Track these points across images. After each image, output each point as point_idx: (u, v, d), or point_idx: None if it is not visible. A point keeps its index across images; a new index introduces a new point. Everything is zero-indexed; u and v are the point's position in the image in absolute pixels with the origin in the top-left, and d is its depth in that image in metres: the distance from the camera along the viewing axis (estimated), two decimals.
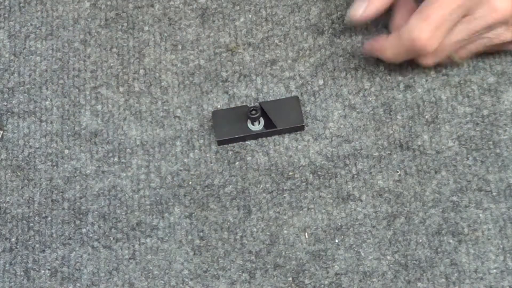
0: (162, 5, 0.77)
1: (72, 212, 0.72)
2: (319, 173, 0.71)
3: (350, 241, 0.70)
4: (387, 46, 0.70)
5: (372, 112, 0.73)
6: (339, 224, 0.70)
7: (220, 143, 0.73)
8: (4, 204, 0.72)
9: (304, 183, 0.71)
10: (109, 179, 0.73)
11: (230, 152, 0.73)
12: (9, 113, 0.75)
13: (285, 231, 0.70)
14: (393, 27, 0.72)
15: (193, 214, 0.71)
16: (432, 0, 0.67)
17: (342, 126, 0.73)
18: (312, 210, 0.71)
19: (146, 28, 0.77)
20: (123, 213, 0.71)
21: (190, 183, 0.72)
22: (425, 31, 0.66)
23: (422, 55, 0.69)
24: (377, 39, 0.71)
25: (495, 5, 0.67)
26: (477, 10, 0.67)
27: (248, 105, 0.73)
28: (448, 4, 0.66)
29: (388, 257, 0.69)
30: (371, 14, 0.70)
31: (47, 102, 0.75)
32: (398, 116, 0.73)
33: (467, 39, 0.69)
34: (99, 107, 0.75)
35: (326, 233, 0.70)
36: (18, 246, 0.71)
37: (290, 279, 0.69)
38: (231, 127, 0.72)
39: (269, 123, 0.72)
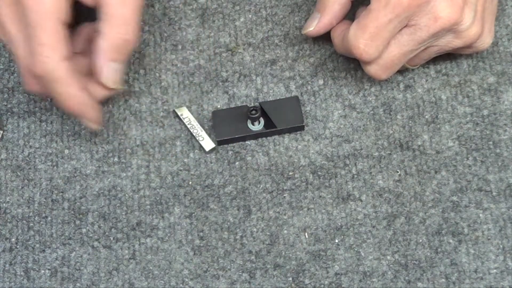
0: (162, 5, 0.77)
1: (72, 212, 0.72)
2: (319, 173, 0.72)
3: (350, 241, 0.70)
4: (338, 46, 0.71)
5: (372, 112, 0.73)
6: (339, 224, 0.70)
7: (220, 143, 0.73)
8: (4, 204, 0.72)
9: (304, 183, 0.71)
10: (109, 179, 0.73)
11: (230, 152, 0.73)
12: (9, 113, 0.75)
13: (285, 231, 0.70)
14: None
15: (193, 214, 0.71)
16: (370, 9, 0.66)
17: (342, 126, 0.73)
18: (312, 210, 0.71)
19: (146, 28, 0.77)
20: (123, 213, 0.71)
21: (190, 183, 0.72)
22: (361, 40, 0.66)
23: (371, 64, 0.69)
24: (335, 31, 0.71)
25: (438, 14, 0.65)
26: (420, 19, 0.66)
27: (248, 105, 0.73)
28: (385, 14, 0.65)
29: (388, 257, 0.69)
30: (323, 28, 0.71)
31: (47, 102, 0.75)
32: (398, 116, 0.73)
33: (415, 49, 0.68)
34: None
35: (326, 233, 0.70)
36: (18, 246, 0.71)
37: (290, 279, 0.69)
38: (231, 127, 0.72)
39: (269, 123, 0.72)
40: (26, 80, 0.68)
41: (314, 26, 0.71)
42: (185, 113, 0.72)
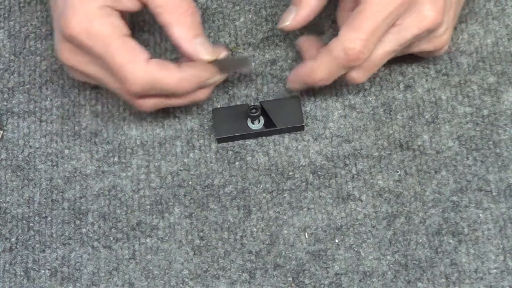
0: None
1: (72, 212, 0.72)
2: (319, 173, 0.72)
3: (350, 241, 0.70)
4: (316, 66, 0.68)
5: (372, 112, 0.73)
6: (339, 224, 0.70)
7: (219, 141, 0.73)
8: (4, 204, 0.72)
9: (304, 183, 0.71)
10: (109, 179, 0.73)
11: (230, 152, 0.73)
12: (9, 113, 0.75)
13: (285, 231, 0.70)
14: (305, 56, 0.71)
15: (193, 214, 0.71)
16: (361, 9, 0.65)
17: (342, 126, 0.73)
18: (312, 210, 0.71)
19: (146, 28, 0.77)
20: (123, 213, 0.72)
21: (190, 183, 0.72)
22: (358, 40, 0.65)
23: (355, 69, 0.68)
24: (302, 65, 0.69)
25: (424, 14, 0.65)
26: (406, 19, 0.66)
27: (249, 104, 0.73)
28: (379, 12, 0.65)
29: (388, 257, 0.69)
30: (300, 23, 0.69)
31: (47, 102, 0.75)
32: (398, 116, 0.73)
33: (397, 50, 0.68)
34: (99, 107, 0.75)
35: (326, 233, 0.70)
36: (18, 246, 0.71)
37: (290, 279, 0.69)
38: (231, 125, 0.72)
39: (269, 123, 0.72)
40: (137, 104, 0.69)
41: (291, 21, 0.69)
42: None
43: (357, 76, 0.68)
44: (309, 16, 0.69)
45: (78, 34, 0.65)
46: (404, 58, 0.72)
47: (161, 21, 0.67)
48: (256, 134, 0.73)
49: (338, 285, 0.68)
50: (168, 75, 0.66)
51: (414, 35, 0.66)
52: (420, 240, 0.69)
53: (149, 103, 0.69)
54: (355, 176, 0.71)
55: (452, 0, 0.68)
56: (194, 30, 0.67)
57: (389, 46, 0.67)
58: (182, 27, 0.66)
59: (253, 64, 0.74)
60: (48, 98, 0.75)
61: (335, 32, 0.75)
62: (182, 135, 0.73)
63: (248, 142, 0.73)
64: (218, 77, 0.69)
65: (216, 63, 0.68)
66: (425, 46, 0.69)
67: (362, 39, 0.65)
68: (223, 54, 0.68)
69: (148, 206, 0.72)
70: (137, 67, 0.66)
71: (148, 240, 0.71)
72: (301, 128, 0.73)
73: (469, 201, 0.70)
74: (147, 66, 0.66)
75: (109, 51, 0.65)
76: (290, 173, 0.72)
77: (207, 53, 0.67)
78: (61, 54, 0.67)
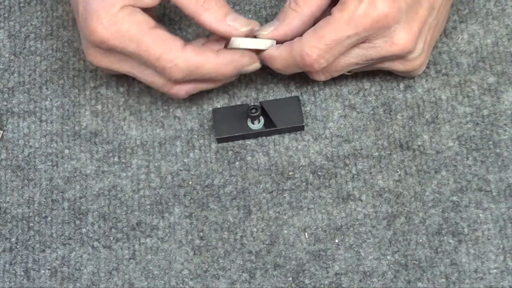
0: (162, 5, 0.77)
1: (72, 212, 0.72)
2: (319, 173, 0.72)
3: (350, 241, 0.70)
4: (277, 56, 0.69)
5: (372, 112, 0.73)
6: (339, 224, 0.70)
7: (219, 141, 0.73)
8: (4, 204, 0.72)
9: (304, 183, 0.71)
10: (109, 179, 0.73)
11: (230, 152, 0.73)
12: (9, 113, 0.75)
13: (285, 231, 0.70)
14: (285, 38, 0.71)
15: (193, 214, 0.71)
16: (330, 20, 0.66)
17: (342, 126, 0.73)
18: (312, 210, 0.71)
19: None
20: (123, 213, 0.71)
21: (190, 183, 0.72)
22: (316, 49, 0.66)
23: (310, 71, 0.69)
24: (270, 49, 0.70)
25: (395, 39, 0.66)
26: (376, 40, 0.66)
27: (249, 104, 0.73)
28: (345, 29, 0.65)
29: (388, 257, 0.69)
30: (276, 37, 0.69)
31: (47, 102, 0.75)
32: (398, 116, 0.73)
33: (361, 64, 0.68)
34: (99, 107, 0.75)
35: (326, 233, 0.70)
36: (18, 246, 0.71)
37: (290, 279, 0.69)
38: (231, 125, 0.72)
39: (269, 122, 0.72)
40: (174, 92, 0.69)
41: (268, 32, 0.69)
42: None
43: (316, 76, 0.70)
44: (287, 35, 0.69)
45: (108, 40, 0.66)
46: None
47: (187, 12, 0.67)
48: (256, 134, 0.73)
49: (338, 285, 0.68)
50: (207, 61, 0.67)
51: (381, 56, 0.67)
52: (420, 240, 0.69)
53: (185, 89, 0.69)
54: (355, 176, 0.71)
55: (430, 25, 0.68)
56: (222, 10, 0.67)
57: (353, 58, 0.68)
58: (209, 12, 0.67)
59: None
60: (48, 98, 0.75)
61: None
62: (182, 135, 0.73)
63: (248, 142, 0.73)
64: (256, 64, 0.70)
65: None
66: (396, 67, 0.70)
67: (320, 49, 0.66)
68: (257, 26, 0.69)
69: (148, 206, 0.72)
70: (175, 55, 0.66)
71: (148, 240, 0.71)
72: (301, 128, 0.73)
73: (469, 201, 0.70)
74: (184, 52, 0.67)
75: (143, 47, 0.66)
76: (290, 173, 0.72)
77: (241, 26, 0.68)
78: (92, 58, 0.69)
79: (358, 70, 0.71)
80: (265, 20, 0.76)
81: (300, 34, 0.68)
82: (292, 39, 0.69)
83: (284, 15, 0.69)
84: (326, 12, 0.68)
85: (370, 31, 0.65)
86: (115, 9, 0.66)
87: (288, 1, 0.69)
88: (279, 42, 0.69)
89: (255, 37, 0.69)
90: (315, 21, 0.68)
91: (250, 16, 0.76)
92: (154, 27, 0.67)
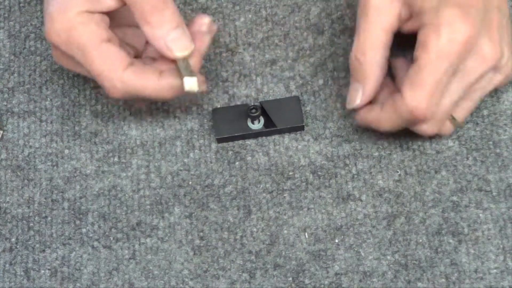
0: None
1: (72, 212, 0.72)
2: (319, 173, 0.72)
3: (350, 241, 0.70)
4: (383, 118, 0.66)
5: None
6: (339, 224, 0.70)
7: (219, 141, 0.73)
8: (4, 204, 0.72)
9: (304, 183, 0.71)
10: (109, 179, 0.73)
11: (230, 152, 0.73)
12: (9, 113, 0.75)
13: (285, 231, 0.70)
14: (382, 99, 0.68)
15: (193, 214, 0.71)
16: (421, 64, 0.63)
17: (342, 126, 0.73)
18: (312, 210, 0.71)
19: None
20: (123, 213, 0.71)
21: (190, 183, 0.72)
22: (422, 99, 0.63)
23: (422, 123, 0.66)
24: (370, 110, 0.67)
25: (484, 53, 0.64)
26: (467, 63, 0.64)
27: (249, 104, 0.73)
28: (440, 65, 0.62)
29: (388, 257, 0.69)
30: (368, 98, 0.67)
31: (47, 102, 0.75)
32: None
33: (463, 96, 0.66)
34: (99, 107, 0.75)
35: (326, 233, 0.70)
36: (18, 246, 0.71)
37: (290, 279, 0.69)
38: (231, 125, 0.72)
39: (269, 123, 0.72)
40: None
41: (360, 98, 0.67)
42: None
43: (427, 128, 0.66)
44: (376, 89, 0.67)
45: (59, 44, 0.65)
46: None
47: (135, 19, 0.65)
48: (256, 134, 0.73)
49: (338, 285, 0.68)
50: (147, 84, 0.66)
51: (478, 76, 0.65)
52: (420, 240, 0.69)
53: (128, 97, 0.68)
54: (355, 176, 0.71)
55: (504, 23, 0.66)
56: (165, 25, 0.65)
57: (456, 94, 0.65)
58: (150, 26, 0.65)
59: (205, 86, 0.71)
60: (48, 98, 0.75)
61: (334, 31, 0.75)
62: (182, 135, 0.73)
63: (248, 142, 0.73)
64: (202, 88, 0.67)
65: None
66: (496, 81, 0.67)
67: (426, 97, 0.63)
68: (204, 45, 0.67)
69: (148, 206, 0.72)
70: (114, 76, 0.65)
71: (148, 240, 0.71)
72: (301, 128, 0.73)
73: (469, 201, 0.70)
74: (124, 74, 0.65)
75: (88, 60, 0.65)
76: (290, 173, 0.72)
77: (178, 49, 0.66)
78: (54, 56, 0.68)
79: (468, 110, 0.68)
80: (265, 20, 0.76)
81: (382, 79, 0.66)
82: (380, 88, 0.67)
83: (361, 72, 0.66)
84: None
85: (462, 55, 0.62)
86: (71, 14, 0.64)
87: (352, 58, 0.66)
88: (370, 100, 0.67)
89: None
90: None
91: (250, 16, 0.76)
92: (104, 41, 0.65)
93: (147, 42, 0.69)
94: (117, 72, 0.65)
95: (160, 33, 0.65)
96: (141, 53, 0.70)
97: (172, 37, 0.65)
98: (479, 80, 0.66)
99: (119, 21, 0.68)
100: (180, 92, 0.66)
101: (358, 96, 0.67)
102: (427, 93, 0.63)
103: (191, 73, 0.66)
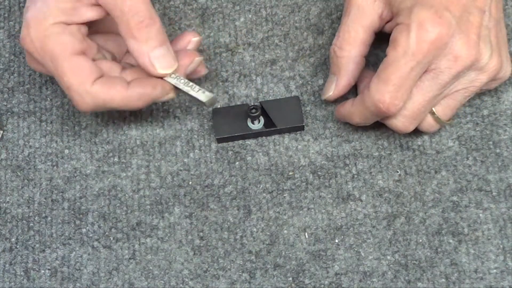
0: (162, 5, 0.77)
1: (72, 212, 0.72)
2: (319, 173, 0.72)
3: (350, 241, 0.70)
4: (353, 111, 0.68)
5: None
6: (339, 224, 0.70)
7: (219, 141, 0.73)
8: (4, 204, 0.72)
9: (304, 183, 0.71)
10: (109, 179, 0.73)
11: (230, 152, 0.73)
12: (9, 113, 0.75)
13: (285, 231, 0.70)
14: (359, 91, 0.71)
15: (193, 214, 0.71)
16: (388, 61, 0.64)
17: (342, 126, 0.73)
18: (312, 210, 0.71)
19: None
20: (123, 213, 0.72)
21: (190, 183, 0.72)
22: (386, 93, 0.65)
23: (394, 117, 0.67)
24: (344, 104, 0.70)
25: (456, 54, 0.64)
26: (440, 62, 0.64)
27: (249, 104, 0.73)
28: (406, 63, 0.64)
29: (388, 257, 0.69)
30: (342, 91, 0.70)
31: (47, 102, 0.75)
32: None
33: (439, 94, 0.66)
34: None
35: (326, 233, 0.70)
36: (18, 246, 0.71)
37: (290, 279, 0.69)
38: (231, 125, 0.72)
39: (269, 123, 0.72)
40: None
41: (333, 90, 0.70)
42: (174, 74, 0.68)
43: (403, 124, 0.68)
44: (350, 83, 0.70)
45: (32, 53, 0.66)
46: None
47: (120, 32, 0.66)
48: (256, 134, 0.73)
49: (338, 285, 0.68)
50: (114, 95, 0.66)
51: (452, 76, 0.65)
52: (420, 240, 0.69)
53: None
54: (355, 176, 0.71)
55: (488, 27, 0.66)
56: (151, 41, 0.65)
57: (429, 93, 0.66)
58: (135, 41, 0.65)
59: (216, 100, 0.72)
60: (48, 98, 0.75)
61: (334, 31, 0.75)
62: (182, 135, 0.73)
63: (248, 142, 0.73)
64: (170, 95, 0.68)
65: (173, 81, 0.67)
66: (480, 78, 0.67)
67: (390, 91, 0.64)
68: (190, 62, 0.68)
69: (148, 206, 0.72)
70: (83, 90, 0.65)
71: (148, 240, 0.71)
72: (301, 128, 0.73)
73: (469, 201, 0.70)
74: (93, 88, 0.66)
75: (59, 72, 0.65)
76: (290, 173, 0.72)
77: (162, 67, 0.66)
78: (27, 61, 0.69)
79: (450, 108, 0.69)
80: (265, 20, 0.76)
81: (358, 76, 0.69)
82: (355, 83, 0.70)
83: (337, 65, 0.69)
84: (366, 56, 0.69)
85: (429, 55, 0.63)
86: (47, 23, 0.65)
87: (331, 51, 0.69)
88: (345, 93, 0.70)
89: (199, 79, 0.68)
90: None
91: (250, 16, 0.76)
92: (76, 53, 0.65)
93: (127, 50, 0.70)
94: (85, 85, 0.66)
95: (145, 49, 0.65)
96: (120, 59, 0.71)
97: (156, 54, 0.66)
98: (458, 80, 0.66)
99: (100, 28, 0.69)
100: (149, 101, 0.67)
101: (331, 88, 0.70)
102: (391, 88, 0.64)
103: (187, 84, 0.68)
